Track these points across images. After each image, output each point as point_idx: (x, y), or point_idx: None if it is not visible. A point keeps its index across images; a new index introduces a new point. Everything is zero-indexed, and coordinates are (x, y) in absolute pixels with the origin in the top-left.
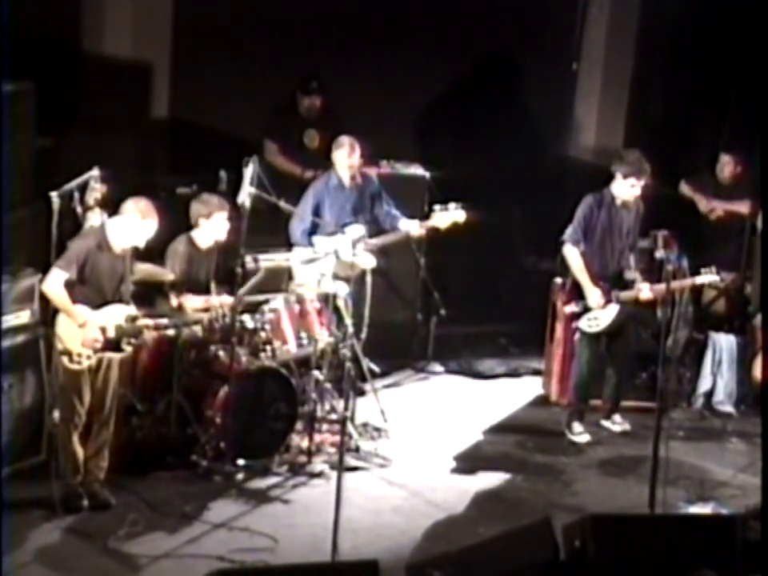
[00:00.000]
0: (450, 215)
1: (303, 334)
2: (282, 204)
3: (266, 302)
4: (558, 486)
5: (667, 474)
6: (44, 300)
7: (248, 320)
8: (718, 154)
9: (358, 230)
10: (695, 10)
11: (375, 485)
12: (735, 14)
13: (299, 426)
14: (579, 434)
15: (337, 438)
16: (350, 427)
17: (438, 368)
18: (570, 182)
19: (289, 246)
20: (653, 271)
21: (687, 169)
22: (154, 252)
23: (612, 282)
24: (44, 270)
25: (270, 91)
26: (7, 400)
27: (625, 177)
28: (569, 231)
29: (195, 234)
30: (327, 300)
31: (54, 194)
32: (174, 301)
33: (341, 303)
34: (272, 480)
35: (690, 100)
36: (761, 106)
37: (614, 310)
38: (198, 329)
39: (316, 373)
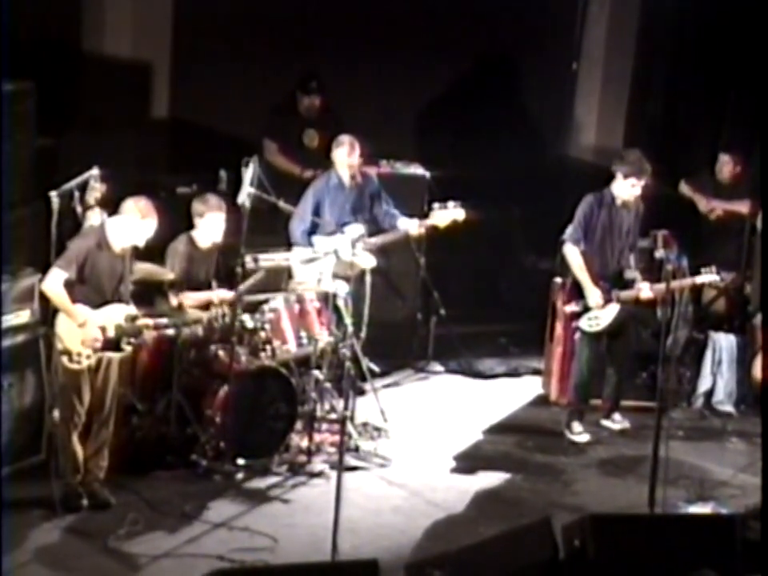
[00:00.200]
0: (449, 213)
1: (303, 334)
2: (282, 204)
3: (266, 301)
4: (558, 485)
5: (667, 474)
6: (44, 299)
7: (248, 319)
8: (718, 153)
9: (357, 229)
10: (695, 10)
11: (375, 484)
12: (735, 14)
13: (299, 425)
14: (579, 434)
15: (336, 437)
16: (349, 427)
17: (438, 368)
18: (569, 181)
19: (289, 245)
20: (653, 271)
21: (687, 169)
22: (153, 251)
23: (612, 281)
24: (44, 269)
25: (270, 91)
26: (7, 399)
27: (625, 177)
28: (569, 230)
29: (195, 233)
30: (327, 299)
31: (53, 194)
32: (173, 300)
33: (340, 303)
34: (272, 480)
35: (690, 100)
36: (761, 105)
37: (614, 309)
38: (197, 328)
39: (316, 372)
